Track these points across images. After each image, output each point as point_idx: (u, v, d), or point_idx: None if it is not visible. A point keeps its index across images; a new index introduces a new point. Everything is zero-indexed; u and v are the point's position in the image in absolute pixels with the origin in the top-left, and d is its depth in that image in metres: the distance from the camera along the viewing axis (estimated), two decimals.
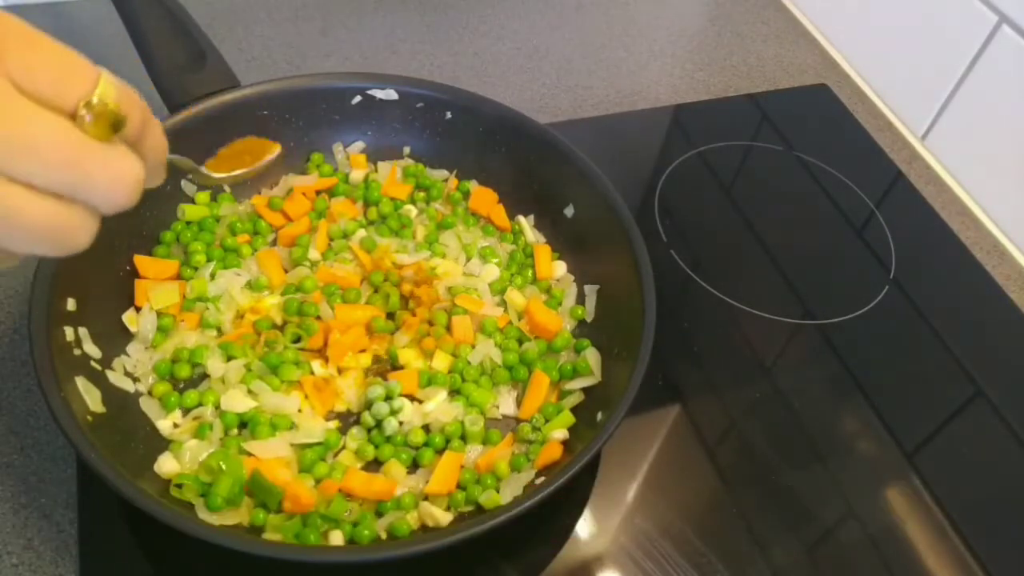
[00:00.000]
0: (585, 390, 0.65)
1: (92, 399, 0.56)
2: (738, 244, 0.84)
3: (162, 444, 0.59)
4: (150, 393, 0.62)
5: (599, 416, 0.60)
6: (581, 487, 0.63)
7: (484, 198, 0.77)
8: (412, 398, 0.64)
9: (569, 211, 0.74)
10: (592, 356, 0.67)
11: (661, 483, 0.65)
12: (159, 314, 0.65)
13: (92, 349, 0.60)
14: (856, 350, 0.76)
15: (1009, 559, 0.64)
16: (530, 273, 0.74)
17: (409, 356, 0.66)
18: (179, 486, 0.55)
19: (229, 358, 0.64)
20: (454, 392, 0.65)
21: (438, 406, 0.63)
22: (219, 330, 0.66)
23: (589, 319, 0.71)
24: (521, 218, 0.76)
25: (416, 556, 0.50)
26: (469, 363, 0.66)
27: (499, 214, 0.77)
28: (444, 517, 0.57)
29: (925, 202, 0.90)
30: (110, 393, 0.59)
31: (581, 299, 0.72)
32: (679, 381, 0.72)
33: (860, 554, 0.63)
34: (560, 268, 0.74)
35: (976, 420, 0.73)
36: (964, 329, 0.79)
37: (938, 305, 0.81)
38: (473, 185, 0.78)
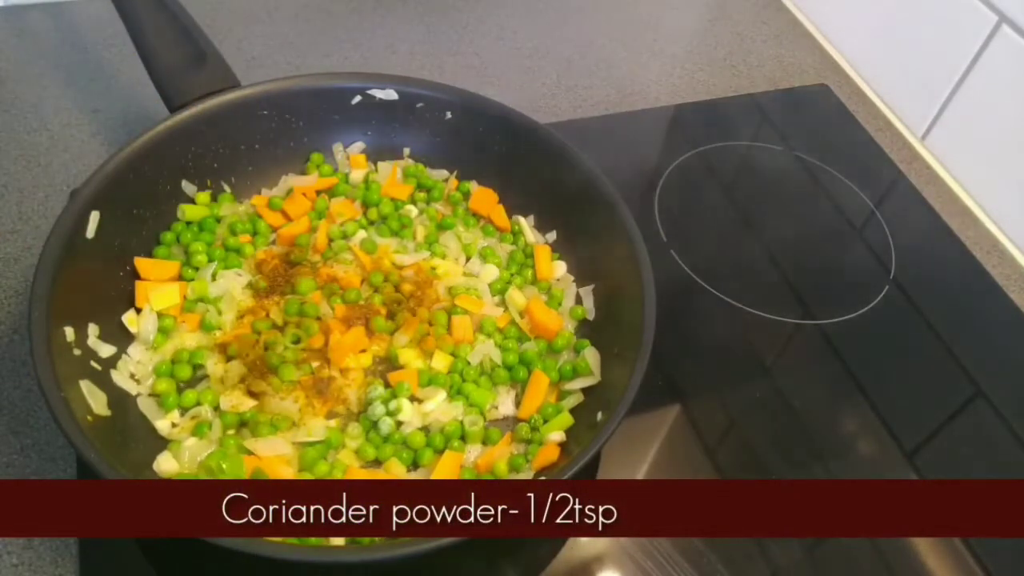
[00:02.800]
0: (585, 390, 0.65)
1: (97, 402, 0.56)
2: (738, 244, 0.84)
3: (161, 444, 0.59)
4: (150, 394, 0.62)
5: (599, 416, 0.60)
6: None
7: (484, 198, 0.77)
8: (412, 398, 0.64)
9: (569, 211, 0.74)
10: (592, 356, 0.66)
11: None
12: (159, 315, 0.65)
13: (96, 350, 0.60)
14: (856, 350, 0.76)
15: (1009, 559, 0.64)
16: (530, 273, 0.74)
17: (409, 356, 0.66)
18: None
19: (229, 358, 0.64)
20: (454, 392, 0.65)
21: (438, 406, 0.63)
22: (220, 331, 0.66)
23: (589, 319, 0.70)
24: (521, 218, 0.76)
25: (416, 556, 0.50)
26: (469, 363, 0.66)
27: (499, 214, 0.77)
28: None
29: (925, 202, 0.90)
30: (111, 394, 0.59)
31: (581, 299, 0.72)
32: (679, 381, 0.72)
33: (860, 554, 0.63)
34: (560, 268, 0.74)
35: (976, 420, 0.73)
36: (964, 329, 0.79)
37: (938, 305, 0.80)
38: (473, 185, 0.77)
